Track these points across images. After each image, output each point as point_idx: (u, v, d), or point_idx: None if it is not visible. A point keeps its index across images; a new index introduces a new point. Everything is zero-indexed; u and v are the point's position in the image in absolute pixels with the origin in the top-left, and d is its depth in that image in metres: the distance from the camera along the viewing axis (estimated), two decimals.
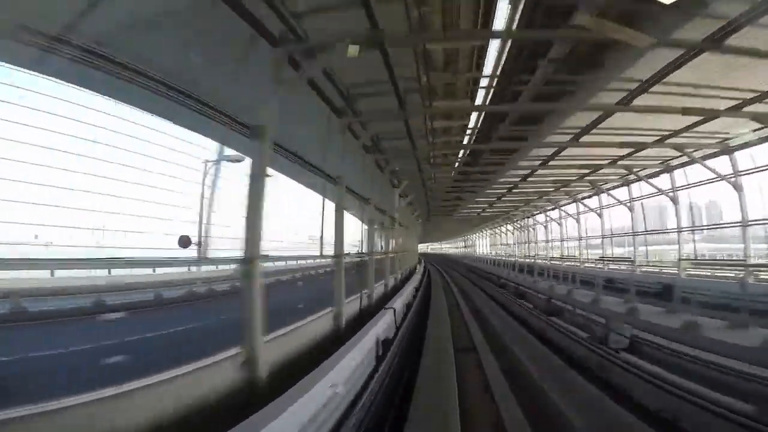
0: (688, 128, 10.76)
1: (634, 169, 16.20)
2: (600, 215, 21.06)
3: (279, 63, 5.28)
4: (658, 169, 15.98)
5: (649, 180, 16.62)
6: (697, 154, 12.96)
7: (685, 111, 8.72)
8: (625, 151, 13.40)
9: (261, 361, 4.34)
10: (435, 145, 12.61)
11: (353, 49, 5.40)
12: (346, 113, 8.54)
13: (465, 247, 65.69)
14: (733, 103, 8.84)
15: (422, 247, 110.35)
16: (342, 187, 9.05)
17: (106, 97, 7.84)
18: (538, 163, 15.44)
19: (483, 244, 53.40)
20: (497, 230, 43.12)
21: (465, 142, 13.17)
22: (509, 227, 39.16)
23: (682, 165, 14.86)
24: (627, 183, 18.75)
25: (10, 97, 8.09)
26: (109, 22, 4.90)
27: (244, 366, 4.20)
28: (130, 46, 5.45)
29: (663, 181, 16.21)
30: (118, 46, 5.33)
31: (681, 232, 15.55)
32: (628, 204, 19.61)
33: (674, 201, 15.69)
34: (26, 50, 4.99)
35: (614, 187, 20.30)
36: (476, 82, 8.92)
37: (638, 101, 8.59)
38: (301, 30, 5.40)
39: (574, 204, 24.37)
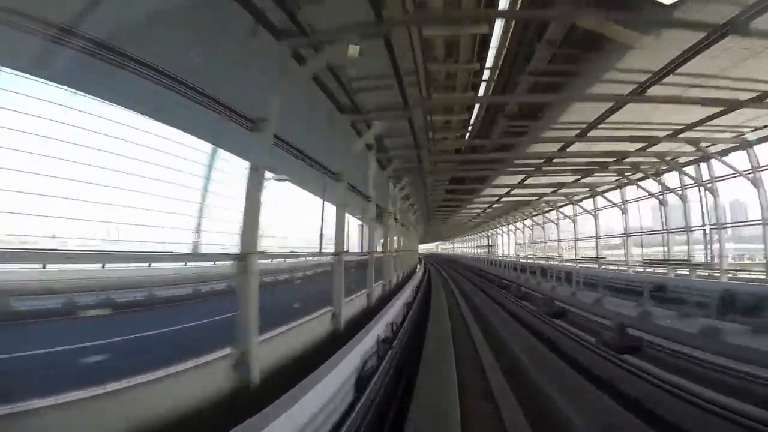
0: (702, 122, 10.53)
1: (642, 166, 15.81)
2: (624, 211, 20.18)
3: (283, 56, 5.28)
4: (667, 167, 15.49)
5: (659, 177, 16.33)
6: (713, 149, 12.70)
7: (703, 102, 8.52)
8: (637, 146, 13.05)
9: (255, 362, 4.20)
10: (436, 141, 12.48)
11: (353, 50, 5.45)
12: (350, 110, 8.58)
13: (489, 246, 51.52)
14: (751, 94, 8.63)
15: (430, 247, 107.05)
16: (343, 184, 8.95)
17: (98, 89, 7.69)
18: (542, 159, 14.99)
19: (504, 243, 45.65)
20: (514, 227, 40.11)
21: (466, 137, 13.01)
22: (521, 224, 37.79)
23: (695, 161, 14.49)
24: (628, 183, 18.35)
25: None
26: (109, 14, 4.84)
27: (236, 368, 4.06)
28: (127, 36, 5.41)
29: (674, 178, 15.87)
30: (117, 36, 5.23)
31: (691, 231, 15.23)
32: (623, 206, 19.24)
33: (683, 199, 15.44)
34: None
35: (613, 188, 20.04)
36: (477, 74, 8.87)
37: (652, 91, 8.40)
38: (305, 23, 5.35)
39: (580, 204, 23.93)
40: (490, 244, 50.96)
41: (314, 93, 7.22)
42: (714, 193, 13.92)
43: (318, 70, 6.02)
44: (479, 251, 57.91)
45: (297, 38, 5.29)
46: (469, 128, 12.08)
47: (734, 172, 12.80)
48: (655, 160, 14.49)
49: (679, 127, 11.21)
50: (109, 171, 12.34)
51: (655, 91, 8.35)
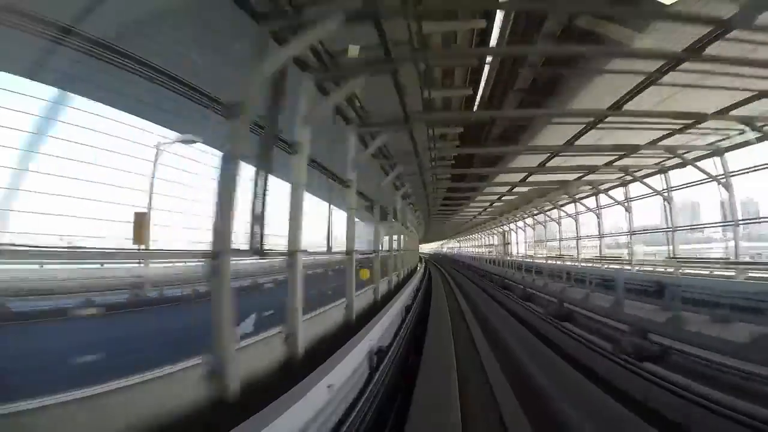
0: (717, 114, 9.98)
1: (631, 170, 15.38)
2: (628, 209, 19.54)
3: (263, 39, 4.92)
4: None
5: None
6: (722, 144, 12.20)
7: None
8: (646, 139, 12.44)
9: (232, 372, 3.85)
10: (435, 140, 12.00)
11: (353, 50, 5.68)
12: (356, 122, 8.72)
13: (507, 243, 43.23)
14: None
15: (434, 246, 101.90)
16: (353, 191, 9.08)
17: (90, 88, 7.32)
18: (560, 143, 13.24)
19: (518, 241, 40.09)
20: (515, 225, 38.01)
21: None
22: (522, 223, 36.49)
23: (702, 158, 13.93)
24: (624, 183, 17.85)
25: None
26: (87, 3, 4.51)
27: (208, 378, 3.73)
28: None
29: (684, 175, 15.36)
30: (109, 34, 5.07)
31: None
32: (627, 204, 18.68)
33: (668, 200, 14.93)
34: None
35: (613, 188, 19.58)
36: (476, 71, 8.68)
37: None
38: (285, 4, 4.93)
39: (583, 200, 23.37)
40: (508, 242, 42.70)
41: (296, 76, 6.75)
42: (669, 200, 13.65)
43: (300, 53, 5.58)
44: (485, 250, 53.25)
45: (278, 21, 4.88)
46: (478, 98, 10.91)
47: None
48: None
49: (689, 121, 10.70)
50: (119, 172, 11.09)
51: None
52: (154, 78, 6.00)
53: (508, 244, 41.33)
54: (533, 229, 33.83)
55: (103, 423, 2.89)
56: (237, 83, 4.59)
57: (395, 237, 20.74)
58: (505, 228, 41.19)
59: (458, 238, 76.59)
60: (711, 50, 6.80)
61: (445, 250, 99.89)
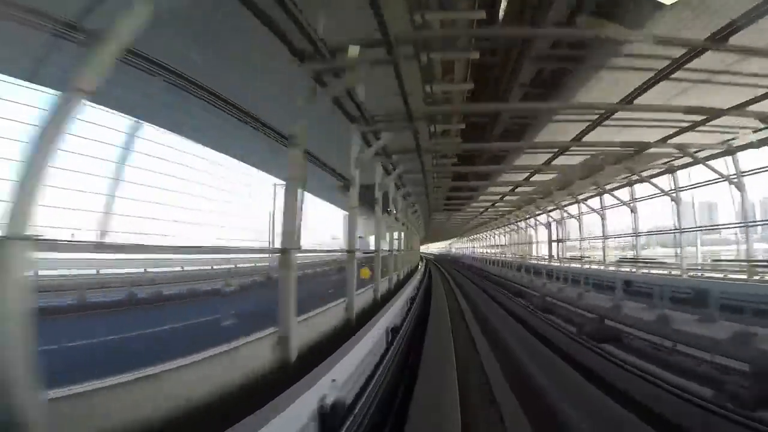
0: (732, 109, 9.46)
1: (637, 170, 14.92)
2: (633, 210, 18.85)
3: (307, 80, 6.12)
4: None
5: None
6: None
7: None
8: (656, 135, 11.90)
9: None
10: (437, 136, 11.62)
11: (353, 50, 5.97)
12: (360, 122, 8.81)
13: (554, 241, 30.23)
14: None
15: (441, 246, 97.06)
16: (356, 188, 9.16)
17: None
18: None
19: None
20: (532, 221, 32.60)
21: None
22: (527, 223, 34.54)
23: (713, 157, 13.39)
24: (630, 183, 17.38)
25: None
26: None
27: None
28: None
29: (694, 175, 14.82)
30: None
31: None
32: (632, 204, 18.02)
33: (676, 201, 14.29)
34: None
35: (617, 188, 19.13)
36: (479, 67, 8.36)
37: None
38: (325, 49, 5.86)
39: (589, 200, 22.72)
40: (560, 238, 28.67)
41: (335, 114, 7.92)
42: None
43: (338, 93, 6.86)
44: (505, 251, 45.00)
45: (318, 63, 5.95)
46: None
47: None
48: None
49: (699, 118, 10.24)
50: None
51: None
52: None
53: (561, 241, 28.85)
54: (578, 220, 25.58)
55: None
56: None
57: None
58: (548, 220, 30.57)
59: (469, 237, 69.06)
60: (732, 42, 6.41)
61: (453, 250, 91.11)
